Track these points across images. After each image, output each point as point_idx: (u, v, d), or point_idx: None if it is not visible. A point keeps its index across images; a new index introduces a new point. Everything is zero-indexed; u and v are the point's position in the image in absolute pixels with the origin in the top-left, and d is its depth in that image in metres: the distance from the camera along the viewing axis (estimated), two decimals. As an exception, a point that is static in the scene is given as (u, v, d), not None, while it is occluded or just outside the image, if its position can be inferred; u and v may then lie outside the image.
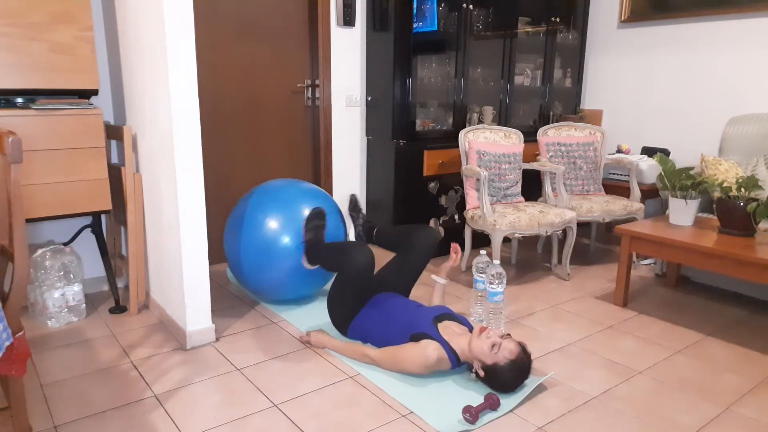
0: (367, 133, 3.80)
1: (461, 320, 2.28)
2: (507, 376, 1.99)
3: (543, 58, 4.20)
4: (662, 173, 2.82)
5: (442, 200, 3.65)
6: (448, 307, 2.48)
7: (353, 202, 2.98)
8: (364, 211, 3.02)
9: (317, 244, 2.57)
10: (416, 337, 2.15)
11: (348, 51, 3.64)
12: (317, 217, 2.61)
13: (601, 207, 3.34)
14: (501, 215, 3.02)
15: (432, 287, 2.65)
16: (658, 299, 3.03)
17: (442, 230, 3.71)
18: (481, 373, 2.04)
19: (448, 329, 2.17)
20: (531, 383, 2.09)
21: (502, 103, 4.01)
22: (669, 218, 2.90)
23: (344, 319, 2.43)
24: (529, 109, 4.37)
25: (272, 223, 2.60)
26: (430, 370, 2.12)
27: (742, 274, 2.43)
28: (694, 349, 2.46)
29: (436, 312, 2.27)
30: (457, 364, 2.12)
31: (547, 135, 3.70)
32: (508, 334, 2.08)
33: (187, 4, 2.17)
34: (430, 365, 2.09)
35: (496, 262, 2.55)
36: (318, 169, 3.71)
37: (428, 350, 2.08)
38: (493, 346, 2.00)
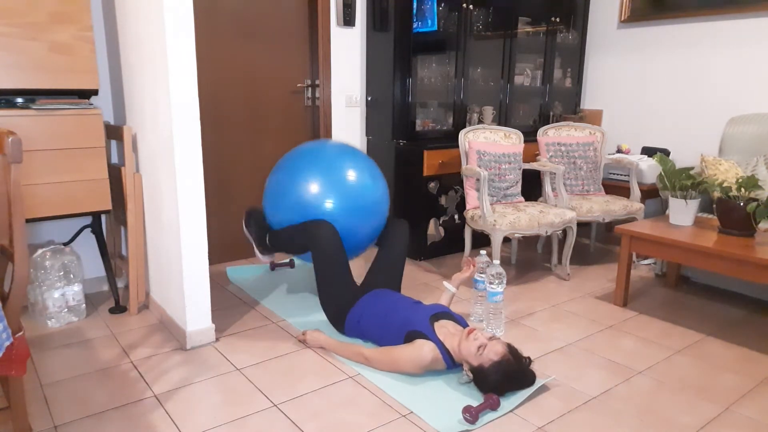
0: (367, 133, 3.80)
1: (458, 319, 2.27)
2: (493, 378, 1.97)
3: (543, 58, 4.20)
4: (662, 173, 2.82)
5: (442, 200, 3.65)
6: (448, 307, 2.48)
7: None
8: None
9: (267, 232, 2.66)
10: (411, 336, 2.15)
11: (348, 51, 3.63)
12: (252, 215, 2.73)
13: (601, 207, 3.34)
14: (501, 215, 3.02)
15: (441, 292, 2.62)
16: (658, 299, 3.03)
17: (442, 230, 3.71)
18: (470, 375, 2.04)
19: (443, 329, 2.17)
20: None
21: (502, 103, 4.01)
22: (669, 218, 2.90)
23: (338, 313, 2.44)
24: (529, 109, 4.37)
25: (314, 188, 2.51)
26: (425, 370, 2.13)
27: (742, 274, 2.43)
28: (694, 349, 2.46)
29: (433, 310, 2.26)
30: (452, 364, 2.12)
31: (547, 135, 3.70)
32: (498, 337, 2.07)
33: (187, 4, 2.17)
34: (424, 366, 2.10)
35: (496, 262, 2.55)
36: (318, 169, 3.71)
37: (423, 351, 2.08)
38: (479, 347, 2.00)
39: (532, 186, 3.72)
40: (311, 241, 2.41)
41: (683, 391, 2.11)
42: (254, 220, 2.74)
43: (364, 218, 2.58)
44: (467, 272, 2.53)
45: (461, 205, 3.75)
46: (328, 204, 2.50)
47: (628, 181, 3.61)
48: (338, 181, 2.54)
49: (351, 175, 2.57)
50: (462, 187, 3.64)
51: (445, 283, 2.57)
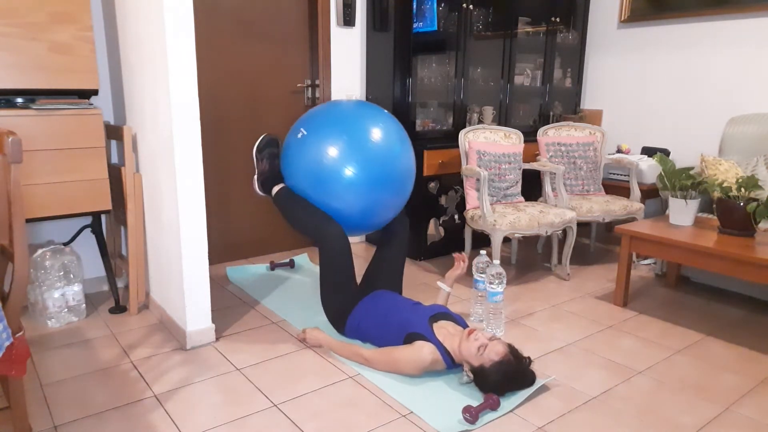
0: (367, 133, 3.79)
1: (457, 319, 2.27)
2: (494, 378, 1.97)
3: (543, 58, 4.20)
4: (662, 173, 2.82)
5: (442, 200, 3.65)
6: (447, 307, 2.48)
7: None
8: None
9: (276, 182, 2.55)
10: (411, 338, 2.15)
11: (348, 51, 3.64)
12: (270, 144, 2.56)
13: (601, 207, 3.34)
14: (501, 215, 3.02)
15: (438, 292, 2.62)
16: (658, 299, 3.03)
17: (442, 230, 3.71)
18: (471, 375, 2.04)
19: (443, 329, 2.17)
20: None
21: (502, 103, 4.01)
22: (669, 218, 2.90)
23: (339, 314, 2.44)
24: (529, 109, 4.37)
25: (333, 151, 2.33)
26: (425, 371, 2.13)
27: (742, 274, 2.43)
28: (694, 349, 2.46)
29: (433, 311, 2.27)
30: (452, 365, 2.12)
31: (547, 135, 3.70)
32: (498, 338, 2.07)
33: (187, 4, 2.17)
34: (424, 367, 2.10)
35: (496, 262, 2.55)
36: (318, 169, 3.71)
37: (423, 352, 2.08)
38: (479, 347, 2.00)
39: (532, 186, 3.72)
40: (319, 239, 2.40)
41: (683, 391, 2.11)
42: (268, 153, 2.52)
43: (387, 194, 2.40)
44: (458, 268, 2.54)
45: (461, 205, 3.75)
46: (348, 172, 2.32)
47: (628, 181, 3.61)
48: (362, 145, 2.32)
49: (376, 135, 2.35)
50: (462, 187, 3.64)
51: (439, 283, 2.57)
